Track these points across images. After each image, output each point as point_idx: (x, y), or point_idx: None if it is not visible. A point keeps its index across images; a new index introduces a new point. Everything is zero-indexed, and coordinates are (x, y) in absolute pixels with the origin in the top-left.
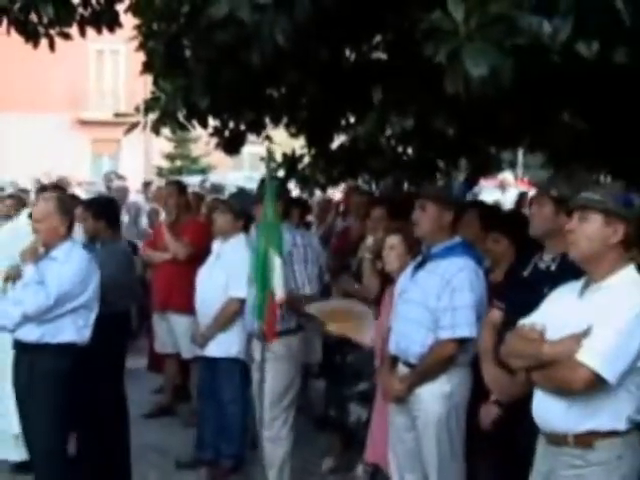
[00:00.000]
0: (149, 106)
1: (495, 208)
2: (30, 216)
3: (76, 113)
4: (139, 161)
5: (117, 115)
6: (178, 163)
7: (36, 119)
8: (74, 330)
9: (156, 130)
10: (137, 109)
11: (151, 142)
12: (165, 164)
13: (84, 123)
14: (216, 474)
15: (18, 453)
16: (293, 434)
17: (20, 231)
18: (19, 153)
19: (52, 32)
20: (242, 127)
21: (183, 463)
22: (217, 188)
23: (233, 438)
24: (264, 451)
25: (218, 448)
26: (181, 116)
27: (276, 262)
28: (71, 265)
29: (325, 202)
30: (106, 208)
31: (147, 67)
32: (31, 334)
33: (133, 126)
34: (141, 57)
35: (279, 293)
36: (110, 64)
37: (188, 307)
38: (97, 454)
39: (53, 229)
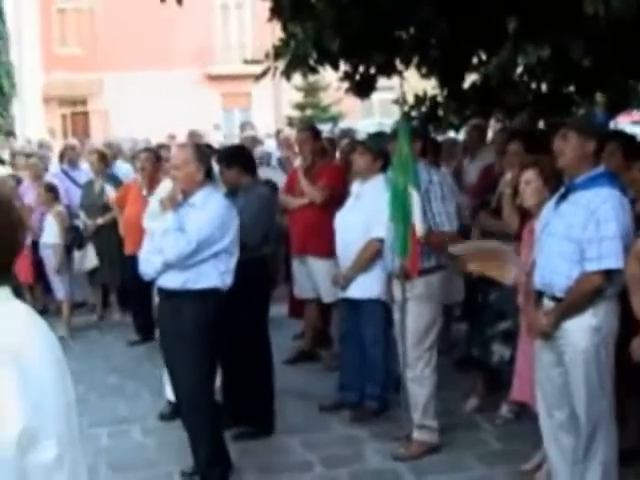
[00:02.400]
0: (279, 51)
1: (637, 138)
2: None
3: (205, 68)
4: (269, 112)
5: (247, 62)
6: (308, 112)
7: (165, 76)
8: (216, 275)
9: (287, 75)
10: (267, 55)
11: (281, 93)
12: (295, 114)
13: (213, 78)
14: (360, 416)
15: None
16: (436, 375)
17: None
18: (150, 111)
19: None
20: (372, 70)
21: (326, 406)
22: (348, 133)
23: (376, 379)
24: (408, 392)
25: (361, 390)
26: (312, 60)
27: (414, 198)
28: (210, 210)
29: (452, 142)
30: (237, 156)
31: (274, 13)
32: (174, 281)
33: (264, 72)
34: (265, 8)
35: (419, 229)
36: (235, 17)
37: (326, 251)
38: (242, 398)
39: (190, 176)
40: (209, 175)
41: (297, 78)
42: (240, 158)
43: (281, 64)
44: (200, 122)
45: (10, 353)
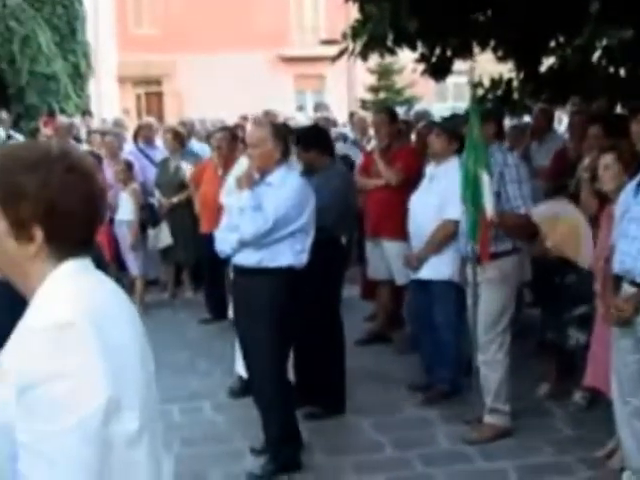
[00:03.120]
0: (356, 32)
1: None
2: None
3: (278, 50)
4: (342, 95)
5: (324, 43)
6: (382, 95)
7: (239, 58)
8: (291, 254)
9: (364, 56)
10: (344, 36)
11: (354, 75)
12: (369, 97)
13: (287, 60)
14: (431, 398)
15: None
16: (508, 359)
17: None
18: (223, 93)
19: None
20: (448, 53)
21: (413, 386)
22: (424, 116)
23: (448, 362)
24: (480, 375)
25: (433, 372)
26: (389, 41)
27: (485, 181)
28: (287, 189)
29: (521, 125)
30: (315, 138)
31: None
32: (250, 258)
33: (341, 53)
34: None
35: (490, 212)
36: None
37: (400, 233)
38: (313, 377)
39: (268, 154)
40: (286, 153)
41: (371, 61)
42: (318, 140)
43: (357, 45)
44: (273, 104)
45: (93, 324)
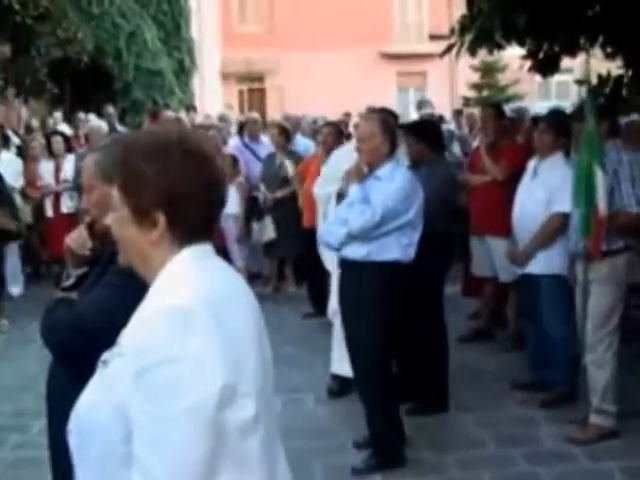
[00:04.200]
0: (465, 26)
1: None
2: None
3: (381, 47)
4: (445, 92)
5: (431, 38)
6: (485, 93)
7: (341, 55)
8: (399, 248)
9: (472, 51)
10: (452, 31)
11: (457, 73)
12: (471, 94)
13: (389, 56)
14: (548, 401)
15: None
16: (616, 360)
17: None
18: (325, 90)
19: None
20: (556, 49)
21: (518, 385)
22: (522, 112)
23: (562, 361)
24: (588, 375)
25: (541, 371)
26: (497, 35)
27: (599, 177)
28: (395, 183)
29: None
30: (429, 130)
31: None
32: (357, 252)
33: (449, 48)
34: None
35: (602, 209)
36: None
37: (505, 230)
38: (417, 373)
39: (376, 148)
40: (394, 148)
41: (472, 58)
42: (431, 133)
43: (466, 40)
44: (375, 101)
45: (212, 309)
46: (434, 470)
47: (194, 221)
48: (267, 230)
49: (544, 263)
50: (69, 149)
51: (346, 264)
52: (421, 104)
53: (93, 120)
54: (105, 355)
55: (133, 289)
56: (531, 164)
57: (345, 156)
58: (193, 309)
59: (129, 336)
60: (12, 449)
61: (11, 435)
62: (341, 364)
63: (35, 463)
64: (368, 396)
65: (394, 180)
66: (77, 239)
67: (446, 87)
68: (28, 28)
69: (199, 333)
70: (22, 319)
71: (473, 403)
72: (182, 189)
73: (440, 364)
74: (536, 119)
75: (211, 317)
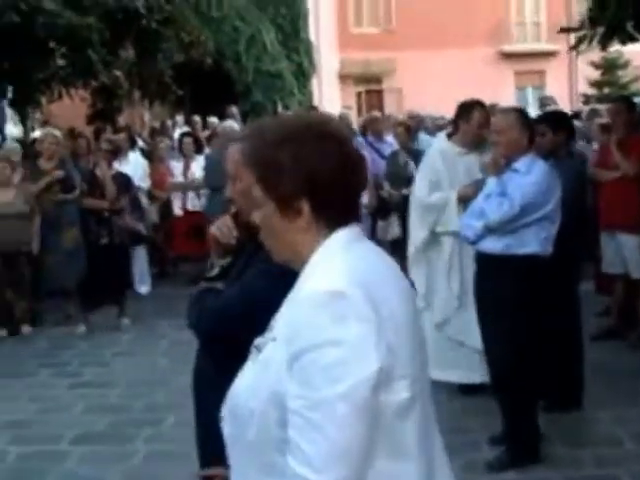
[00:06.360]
0: (595, 18)
1: None
2: None
3: (499, 46)
4: (564, 91)
5: (561, 31)
6: (605, 90)
7: (459, 55)
8: (537, 242)
9: (603, 44)
10: (582, 24)
11: (576, 70)
12: (591, 92)
13: (507, 56)
14: None
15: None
16: None
17: None
18: (443, 89)
19: None
20: None
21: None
22: None
23: None
24: None
25: None
26: (629, 26)
27: None
28: (534, 175)
29: None
30: (565, 122)
31: None
32: (495, 245)
33: (579, 41)
34: None
35: None
36: None
37: (637, 226)
38: (551, 369)
39: (514, 141)
40: (532, 141)
41: (594, 55)
42: (568, 125)
43: (594, 33)
44: (493, 101)
45: (367, 293)
46: (570, 466)
47: (339, 204)
48: (392, 228)
49: None
50: (198, 150)
51: (484, 259)
52: (544, 101)
53: (225, 122)
54: (258, 340)
55: (282, 276)
56: None
57: None
58: (348, 293)
59: (283, 321)
60: (145, 442)
61: (144, 429)
62: None
63: (167, 456)
64: (507, 393)
65: (532, 173)
66: (222, 228)
67: (565, 85)
68: (153, 32)
69: (354, 317)
70: (150, 318)
71: (607, 399)
72: (321, 173)
73: (575, 359)
74: None
75: (366, 300)
